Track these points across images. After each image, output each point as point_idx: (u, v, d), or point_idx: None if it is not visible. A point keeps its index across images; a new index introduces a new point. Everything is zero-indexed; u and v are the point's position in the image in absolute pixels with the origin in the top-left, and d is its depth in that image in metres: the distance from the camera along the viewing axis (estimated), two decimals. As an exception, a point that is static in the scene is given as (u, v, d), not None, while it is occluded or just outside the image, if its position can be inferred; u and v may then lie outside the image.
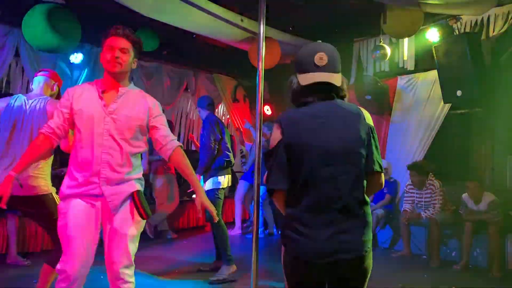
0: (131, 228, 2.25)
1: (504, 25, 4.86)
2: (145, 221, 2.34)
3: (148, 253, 5.11)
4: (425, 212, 5.37)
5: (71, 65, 5.86)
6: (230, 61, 7.57)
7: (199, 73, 7.40)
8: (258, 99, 3.54)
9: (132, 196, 2.27)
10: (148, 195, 6.34)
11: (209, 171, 4.38)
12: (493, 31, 4.95)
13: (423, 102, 5.93)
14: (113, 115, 2.23)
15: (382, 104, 6.24)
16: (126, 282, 2.22)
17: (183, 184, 7.95)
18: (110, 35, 2.25)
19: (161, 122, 2.37)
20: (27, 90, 5.68)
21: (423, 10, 4.56)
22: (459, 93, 4.98)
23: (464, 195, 5.11)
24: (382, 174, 1.82)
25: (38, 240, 5.03)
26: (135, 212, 2.27)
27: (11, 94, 4.68)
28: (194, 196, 7.28)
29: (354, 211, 1.73)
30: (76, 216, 2.20)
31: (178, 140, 7.48)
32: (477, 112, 5.73)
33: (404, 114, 6.14)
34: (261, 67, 3.56)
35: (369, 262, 1.77)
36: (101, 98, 2.26)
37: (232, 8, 5.52)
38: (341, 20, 6.04)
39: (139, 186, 2.33)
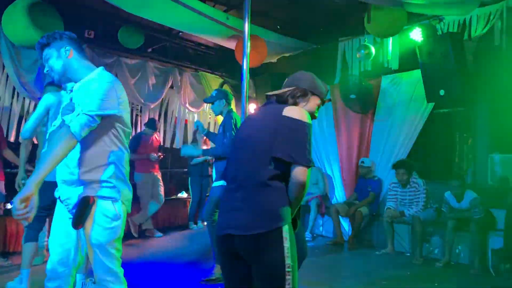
0: (95, 234, 2.08)
1: (486, 26, 4.93)
2: (116, 225, 2.13)
3: (133, 252, 5.07)
4: (409, 210, 5.44)
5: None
6: (216, 59, 7.56)
7: (185, 71, 7.35)
8: (243, 97, 3.55)
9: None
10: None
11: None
12: (476, 32, 5.02)
13: (406, 101, 5.98)
14: None
15: (367, 103, 6.27)
16: None
17: (169, 183, 7.93)
18: None
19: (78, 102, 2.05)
20: (6, 87, 5.57)
21: (406, 10, 4.61)
22: (442, 92, 5.04)
23: (447, 193, 5.19)
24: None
25: (19, 240, 4.93)
26: (98, 216, 2.08)
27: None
28: (180, 194, 7.19)
29: None
30: (54, 217, 2.27)
31: (164, 137, 7.50)
32: (459, 111, 5.82)
33: (388, 113, 6.19)
34: (246, 65, 3.57)
35: None
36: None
37: (218, 5, 5.52)
38: (326, 20, 6.08)
39: (97, 192, 2.09)
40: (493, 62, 5.13)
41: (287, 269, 1.78)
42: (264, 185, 1.83)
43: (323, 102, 2.15)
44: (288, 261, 1.79)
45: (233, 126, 4.12)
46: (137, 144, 6.02)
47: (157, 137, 6.46)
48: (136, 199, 6.23)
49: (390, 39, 5.78)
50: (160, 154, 6.31)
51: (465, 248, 5.07)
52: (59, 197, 2.22)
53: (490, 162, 5.60)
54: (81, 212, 2.04)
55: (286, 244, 1.80)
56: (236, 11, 5.61)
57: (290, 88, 2.07)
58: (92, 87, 2.07)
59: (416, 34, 5.34)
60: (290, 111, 1.92)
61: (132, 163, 6.10)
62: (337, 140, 6.79)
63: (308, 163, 1.84)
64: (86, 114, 1.98)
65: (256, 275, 1.84)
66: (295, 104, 2.04)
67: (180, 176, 8.22)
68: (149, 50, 6.63)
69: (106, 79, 2.13)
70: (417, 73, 5.62)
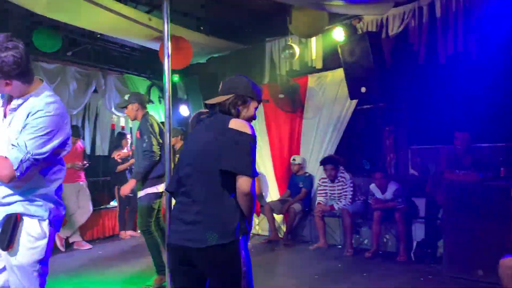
0: (16, 254, 1.98)
1: (401, 25, 5.20)
2: (41, 245, 2.02)
3: (60, 267, 4.79)
4: (338, 204, 5.62)
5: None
6: (142, 60, 7.33)
7: (109, 74, 7.06)
8: (166, 98, 3.45)
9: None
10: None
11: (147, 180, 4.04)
12: (392, 31, 5.28)
13: (332, 99, 6.16)
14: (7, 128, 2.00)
15: (295, 102, 6.40)
16: None
17: (100, 192, 7.57)
18: None
19: (21, 136, 1.91)
20: None
21: (326, 11, 4.74)
22: (363, 89, 5.24)
23: (372, 185, 5.42)
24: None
25: None
26: (21, 235, 1.99)
27: None
28: (112, 203, 6.89)
29: None
30: None
31: (94, 144, 7.15)
32: (380, 107, 6.10)
33: (315, 111, 6.34)
34: (168, 66, 3.48)
35: None
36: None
37: (140, 6, 5.36)
38: (253, 20, 6.11)
39: (23, 209, 1.99)
40: (409, 59, 5.42)
41: (242, 276, 1.94)
42: (219, 199, 1.92)
43: (259, 102, 2.23)
44: (244, 269, 1.94)
45: (150, 129, 4.04)
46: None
47: (81, 144, 6.14)
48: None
49: (314, 39, 5.93)
50: (85, 162, 6.01)
51: (392, 237, 5.34)
52: None
53: (410, 153, 5.95)
54: (8, 231, 1.94)
55: (243, 254, 1.93)
56: (160, 12, 5.48)
57: (229, 97, 2.11)
58: (37, 122, 1.91)
59: (338, 34, 5.52)
60: (234, 124, 1.99)
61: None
62: (269, 139, 6.85)
63: (252, 174, 1.91)
64: (32, 157, 1.88)
65: (213, 284, 1.95)
66: (238, 112, 2.11)
67: (112, 184, 7.90)
68: (69, 53, 6.29)
69: (52, 110, 1.96)
70: (340, 72, 5.81)
